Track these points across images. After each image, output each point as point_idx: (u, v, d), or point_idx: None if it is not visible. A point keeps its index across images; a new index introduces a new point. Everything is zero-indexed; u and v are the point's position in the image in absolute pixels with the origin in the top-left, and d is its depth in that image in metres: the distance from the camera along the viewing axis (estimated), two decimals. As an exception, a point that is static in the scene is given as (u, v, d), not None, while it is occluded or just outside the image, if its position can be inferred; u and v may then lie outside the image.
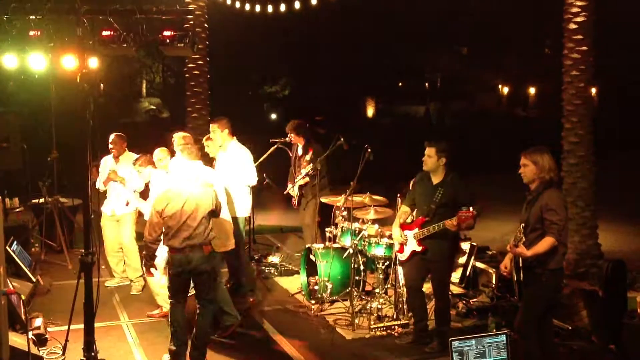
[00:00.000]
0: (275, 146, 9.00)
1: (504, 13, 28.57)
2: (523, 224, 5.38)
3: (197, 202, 5.96)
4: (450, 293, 7.78)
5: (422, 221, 6.29)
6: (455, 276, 8.33)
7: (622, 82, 27.48)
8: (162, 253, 6.32)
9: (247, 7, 11.64)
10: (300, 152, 8.84)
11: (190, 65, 11.47)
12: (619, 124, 25.62)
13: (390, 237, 7.07)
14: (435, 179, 6.32)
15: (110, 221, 8.36)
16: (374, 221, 7.67)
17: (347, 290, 7.42)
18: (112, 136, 8.32)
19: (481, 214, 6.09)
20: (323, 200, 8.30)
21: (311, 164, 8.45)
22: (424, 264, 6.44)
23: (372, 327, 6.94)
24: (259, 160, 8.90)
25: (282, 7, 11.65)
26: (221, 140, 7.69)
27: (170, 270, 6.05)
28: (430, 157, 6.25)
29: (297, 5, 11.40)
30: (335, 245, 7.79)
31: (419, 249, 6.34)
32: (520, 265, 5.44)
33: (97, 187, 8.35)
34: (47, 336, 6.55)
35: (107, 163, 8.37)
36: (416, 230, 6.34)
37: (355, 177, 7.33)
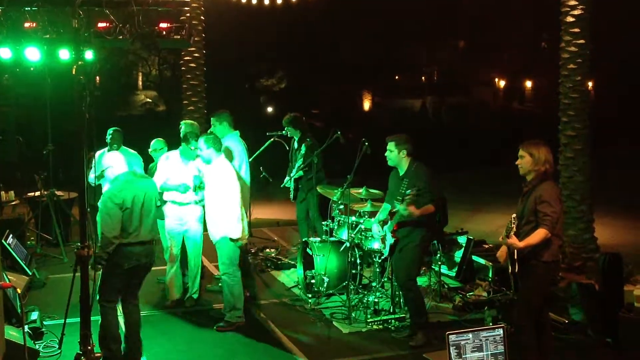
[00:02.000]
0: (272, 139, 8.98)
1: (501, 7, 28.55)
2: (514, 215, 5.42)
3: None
4: (446, 286, 7.83)
5: (393, 214, 6.48)
6: (452, 270, 8.34)
7: (621, 76, 27.48)
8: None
9: (244, -1, 11.60)
10: (296, 145, 8.84)
11: (186, 58, 11.43)
12: (617, 117, 25.65)
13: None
14: (401, 171, 6.49)
15: None
16: (370, 214, 7.65)
17: (344, 284, 7.41)
18: (110, 131, 8.22)
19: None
20: (319, 191, 8.30)
21: (304, 158, 8.45)
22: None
23: (368, 320, 6.93)
24: (255, 154, 8.89)
25: (279, 0, 11.61)
26: (221, 133, 7.64)
27: (119, 265, 5.71)
28: (392, 152, 6.43)
29: (293, -3, 11.37)
30: (332, 239, 7.78)
31: (392, 240, 6.52)
32: (515, 257, 5.45)
33: (89, 181, 8.22)
34: (43, 330, 6.54)
35: (102, 158, 8.24)
36: (389, 223, 6.52)
37: (353, 171, 7.33)
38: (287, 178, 8.93)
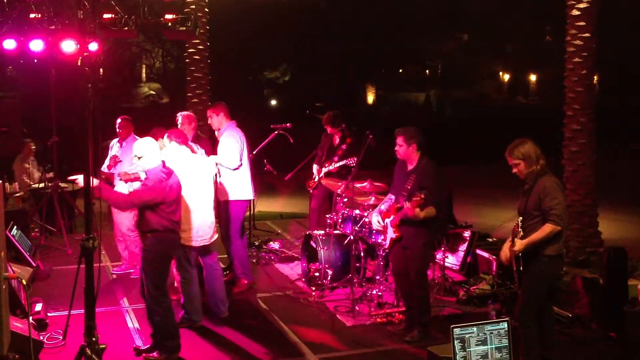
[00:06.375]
0: (276, 132, 8.96)
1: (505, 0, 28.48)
2: (520, 218, 5.42)
3: None
4: (450, 280, 7.83)
5: (395, 208, 6.35)
6: (456, 263, 8.34)
7: (627, 70, 27.37)
8: None
9: (248, -8, 11.57)
10: (337, 141, 8.80)
11: (190, 50, 11.41)
12: (623, 111, 25.57)
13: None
14: (410, 165, 6.35)
15: None
16: (374, 208, 7.63)
17: (348, 277, 7.42)
18: (119, 120, 8.20)
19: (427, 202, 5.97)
20: (323, 182, 8.27)
21: (345, 159, 8.36)
22: (404, 252, 6.42)
23: (372, 314, 6.94)
24: (260, 147, 8.88)
25: (283, -8, 11.58)
26: (218, 124, 7.64)
27: (161, 252, 5.89)
28: (401, 146, 6.29)
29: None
30: (336, 232, 7.77)
31: (394, 235, 6.40)
32: (519, 254, 5.43)
33: (102, 169, 8.20)
34: (47, 321, 6.56)
35: (113, 147, 8.28)
36: (392, 217, 6.40)
37: (356, 164, 7.30)
38: (315, 167, 8.86)
